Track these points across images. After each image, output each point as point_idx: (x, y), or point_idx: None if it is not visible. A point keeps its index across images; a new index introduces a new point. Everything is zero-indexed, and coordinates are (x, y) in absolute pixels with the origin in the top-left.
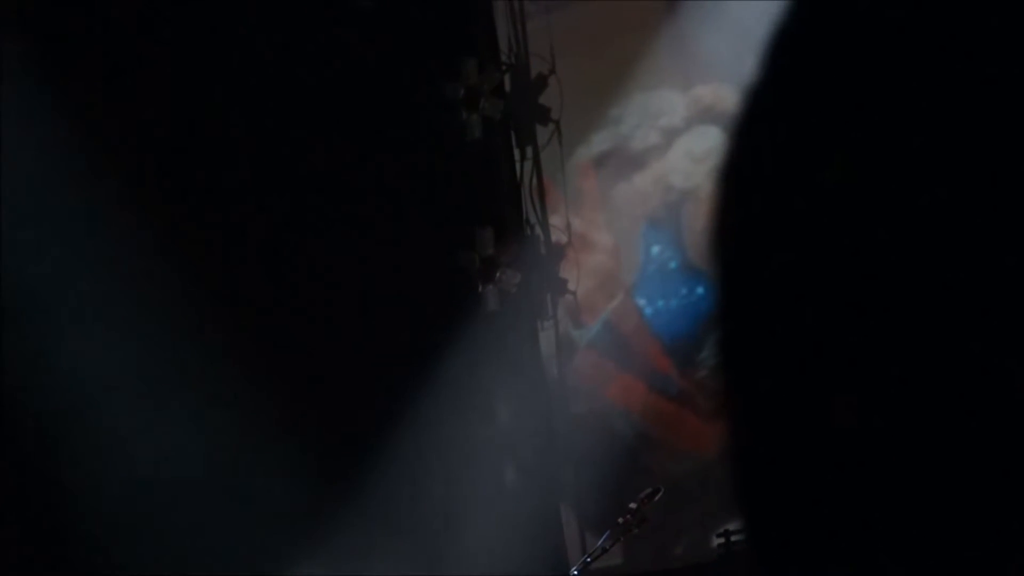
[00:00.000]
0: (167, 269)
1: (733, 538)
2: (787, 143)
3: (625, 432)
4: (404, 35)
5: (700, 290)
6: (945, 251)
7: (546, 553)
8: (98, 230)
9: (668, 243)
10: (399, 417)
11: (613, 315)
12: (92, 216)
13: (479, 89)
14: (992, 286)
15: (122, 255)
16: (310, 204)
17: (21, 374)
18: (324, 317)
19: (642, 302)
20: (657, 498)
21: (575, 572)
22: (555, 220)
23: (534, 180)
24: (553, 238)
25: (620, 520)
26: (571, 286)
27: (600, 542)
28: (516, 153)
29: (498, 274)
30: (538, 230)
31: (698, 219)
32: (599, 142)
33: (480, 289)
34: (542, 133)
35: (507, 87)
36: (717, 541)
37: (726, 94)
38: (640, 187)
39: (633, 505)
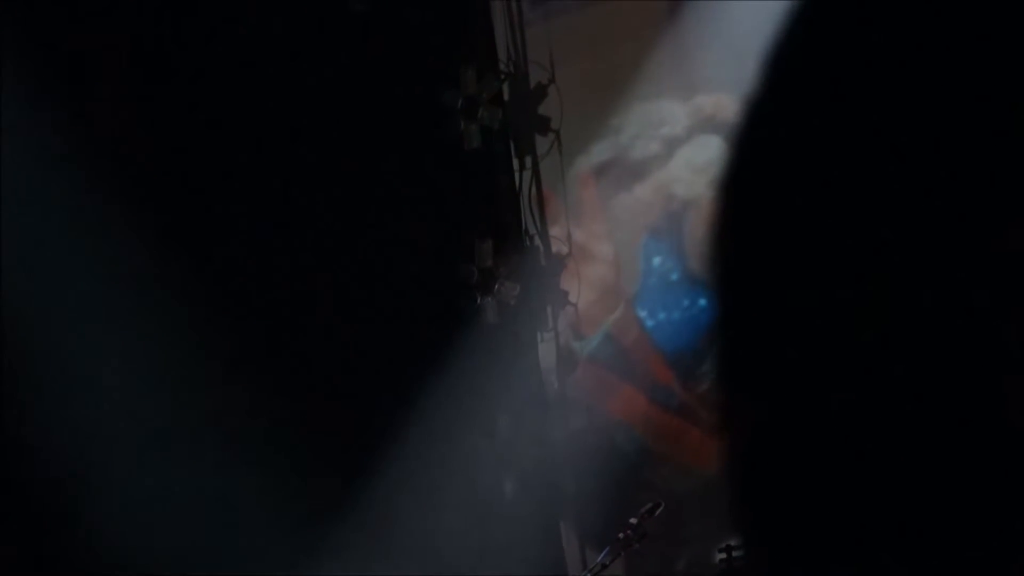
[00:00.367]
0: (167, 277)
1: (735, 553)
2: (785, 153)
3: (626, 446)
4: (402, 43)
5: (702, 302)
6: (946, 258)
7: (546, 568)
8: (98, 232)
9: (669, 254)
10: (398, 430)
11: (614, 327)
12: (91, 220)
13: (478, 98)
14: (988, 293)
15: (124, 261)
16: (308, 214)
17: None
18: (323, 328)
19: (643, 314)
20: (658, 513)
21: None
22: (555, 231)
23: (533, 190)
24: (553, 249)
25: (621, 535)
26: (572, 298)
27: (600, 557)
28: (515, 163)
29: (497, 286)
30: (538, 241)
31: (700, 230)
32: (599, 152)
33: (479, 301)
34: (541, 143)
35: (506, 96)
36: (719, 556)
37: (727, 104)
38: (641, 197)
39: (634, 520)
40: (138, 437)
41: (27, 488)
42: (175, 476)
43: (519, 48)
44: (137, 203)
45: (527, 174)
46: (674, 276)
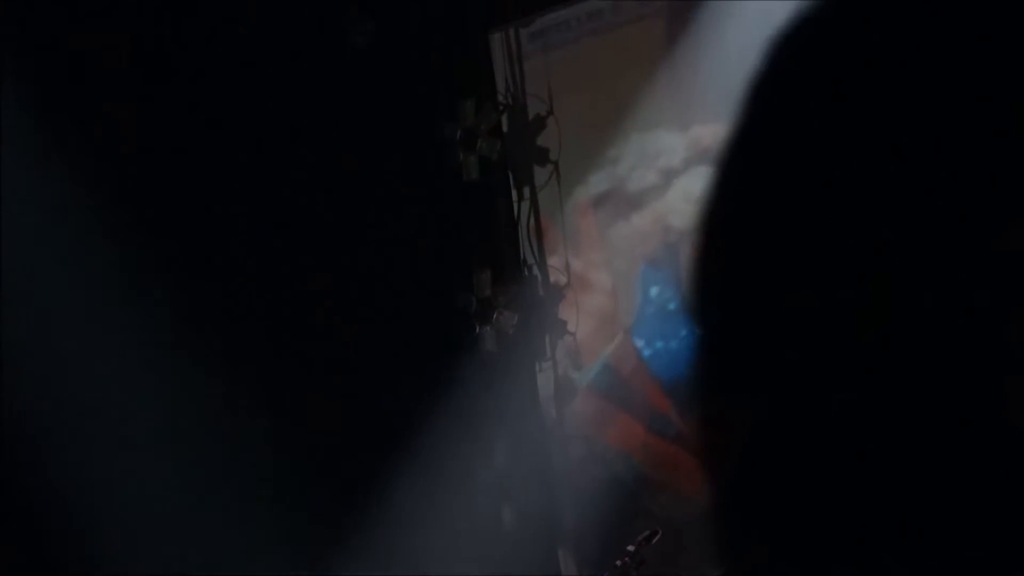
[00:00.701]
0: (165, 281)
1: None
2: (789, 151)
3: (624, 474)
4: (402, 76)
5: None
6: (946, 258)
7: None
8: (97, 232)
9: (667, 284)
10: (397, 458)
11: (612, 357)
12: (90, 220)
13: (476, 130)
14: (988, 293)
15: (123, 262)
16: (307, 244)
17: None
18: (323, 357)
19: (641, 343)
20: (655, 540)
21: None
22: (554, 261)
23: (532, 221)
24: (552, 279)
25: (618, 562)
26: (570, 327)
27: None
28: (514, 193)
29: (496, 315)
30: (536, 271)
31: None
32: (597, 182)
33: (478, 330)
34: (540, 173)
35: (505, 128)
36: None
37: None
38: (638, 228)
39: (631, 547)
40: (138, 440)
41: (26, 490)
42: (173, 480)
43: (518, 81)
44: (136, 205)
45: (525, 204)
46: (671, 306)
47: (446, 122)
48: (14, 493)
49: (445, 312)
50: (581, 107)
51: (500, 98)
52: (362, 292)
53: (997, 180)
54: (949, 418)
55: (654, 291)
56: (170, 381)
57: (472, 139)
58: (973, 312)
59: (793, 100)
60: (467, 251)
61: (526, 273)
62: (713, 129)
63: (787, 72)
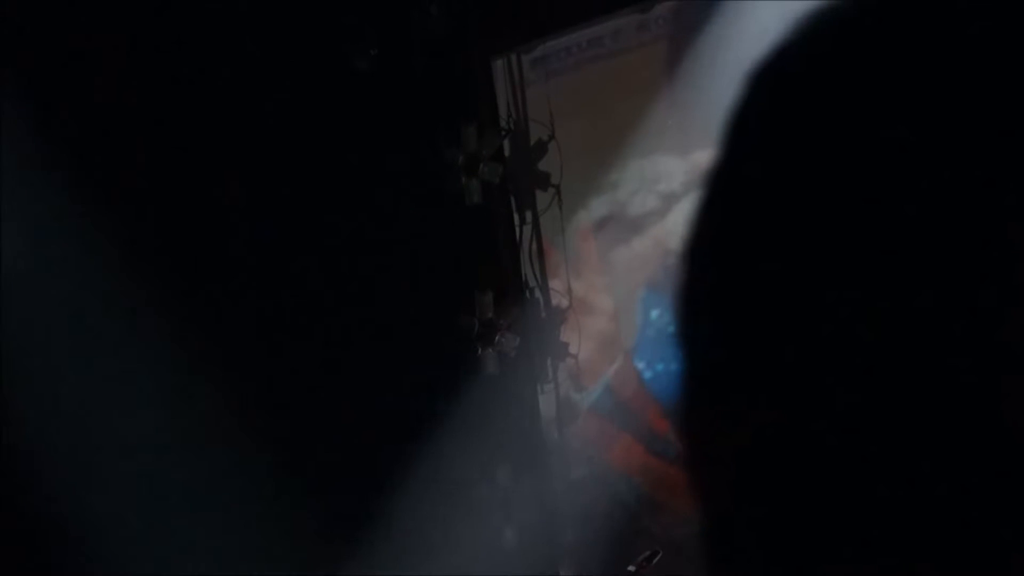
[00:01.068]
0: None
1: None
2: (785, 149)
3: (625, 494)
4: (405, 101)
5: None
6: (945, 259)
7: None
8: (96, 233)
9: (667, 307)
10: (398, 479)
11: (613, 379)
12: (88, 222)
13: (479, 154)
14: (989, 293)
15: (120, 265)
16: (307, 266)
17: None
18: (323, 380)
19: (641, 365)
20: (656, 561)
21: None
22: (555, 284)
23: (534, 244)
24: (554, 302)
25: None
26: (572, 349)
27: None
28: (516, 217)
29: (498, 337)
30: (538, 294)
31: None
32: (598, 207)
33: (480, 352)
34: (542, 197)
35: (507, 152)
36: None
37: None
38: (639, 251)
39: (632, 568)
40: (137, 442)
41: (24, 492)
42: (172, 482)
43: (519, 106)
44: (135, 210)
45: (527, 228)
46: (671, 328)
47: (448, 147)
48: (13, 494)
49: (447, 334)
50: (582, 132)
51: (502, 123)
52: (364, 314)
53: (996, 180)
54: (946, 422)
55: (654, 314)
56: (170, 385)
57: (474, 164)
58: (972, 312)
59: (784, 110)
60: (469, 274)
61: (528, 296)
62: (713, 151)
63: (774, 91)
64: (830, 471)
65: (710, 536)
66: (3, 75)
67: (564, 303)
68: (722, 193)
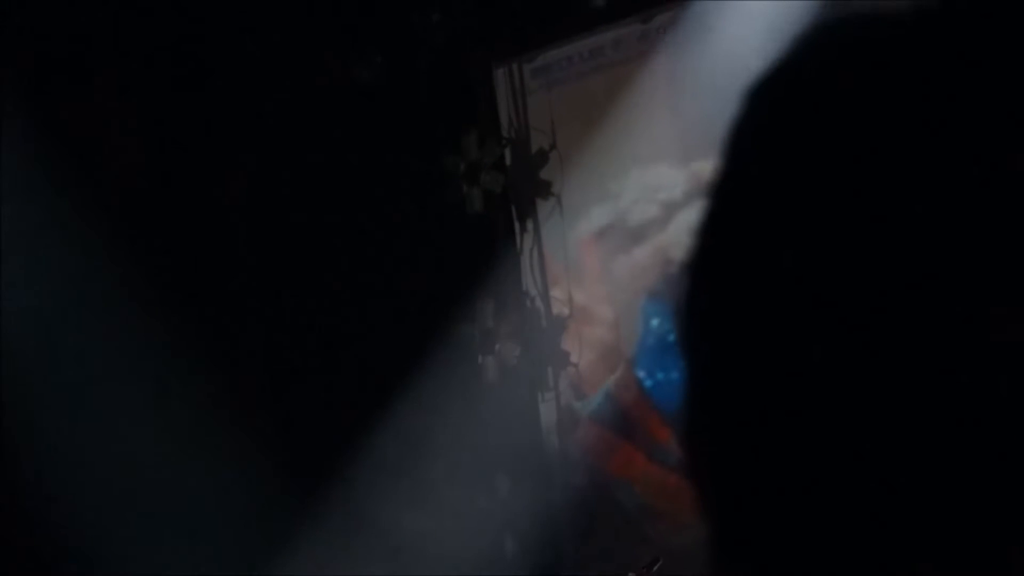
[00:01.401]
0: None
1: None
2: (781, 157)
3: (626, 502)
4: (405, 110)
5: None
6: (946, 260)
7: None
8: (94, 236)
9: (667, 316)
10: (398, 489)
11: (614, 387)
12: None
13: (480, 163)
14: (988, 297)
15: (119, 269)
16: (308, 275)
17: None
18: (322, 390)
19: (642, 374)
20: (656, 568)
21: None
22: (556, 293)
23: (535, 253)
24: (555, 311)
25: None
26: (573, 358)
27: None
28: (517, 226)
29: (498, 346)
30: (539, 302)
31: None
32: (599, 216)
33: (480, 361)
34: (543, 206)
35: (508, 161)
36: None
37: None
38: (640, 260)
39: (632, 575)
40: (135, 442)
41: (23, 494)
42: (170, 483)
43: (521, 115)
44: (135, 211)
45: (528, 237)
46: (671, 337)
47: (450, 156)
48: (13, 494)
49: (447, 343)
50: (583, 141)
51: (503, 132)
52: (363, 322)
53: (994, 199)
54: (948, 429)
55: (655, 323)
56: (169, 386)
57: (475, 172)
58: (970, 314)
59: (786, 122)
60: (470, 282)
61: (529, 305)
62: (713, 164)
63: (776, 103)
64: (831, 478)
65: (711, 544)
66: (3, 75)
67: (565, 312)
68: (725, 205)
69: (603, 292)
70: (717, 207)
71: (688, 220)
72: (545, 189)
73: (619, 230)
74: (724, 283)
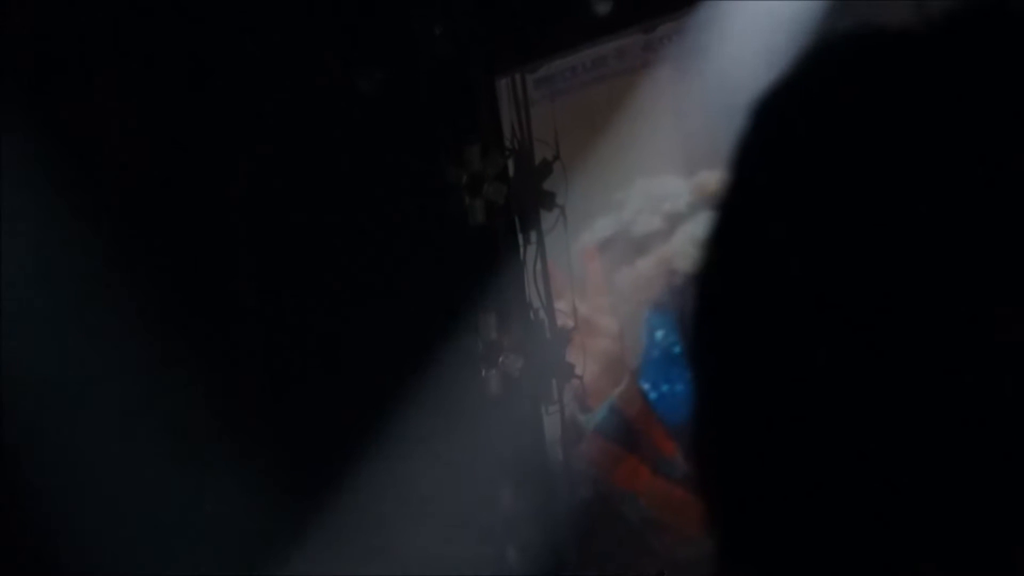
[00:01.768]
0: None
1: None
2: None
3: (630, 515)
4: (408, 122)
5: None
6: (946, 262)
7: None
8: (92, 238)
9: (672, 328)
10: (399, 502)
11: (619, 399)
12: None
13: (483, 174)
14: (992, 296)
15: (117, 272)
16: (309, 287)
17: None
18: (323, 403)
19: (647, 386)
20: None
21: None
22: (560, 304)
23: (538, 264)
24: (559, 323)
25: None
26: (577, 371)
27: None
28: (520, 238)
29: (501, 358)
30: (543, 315)
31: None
32: (603, 227)
33: (483, 374)
34: (546, 217)
35: (511, 172)
36: None
37: None
38: (644, 272)
39: None
40: (126, 446)
41: (21, 495)
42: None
43: (524, 126)
44: (135, 212)
45: (532, 248)
46: (676, 349)
47: (452, 167)
48: (13, 495)
49: (450, 355)
50: (587, 152)
51: (506, 143)
52: (365, 334)
53: (997, 183)
54: (952, 436)
55: (659, 335)
56: (169, 386)
57: (478, 184)
58: (975, 314)
59: (793, 135)
60: (472, 294)
61: (532, 317)
62: (718, 174)
63: (783, 115)
64: (839, 490)
65: (717, 556)
66: (3, 75)
67: (569, 324)
68: (730, 216)
69: (607, 304)
70: (722, 218)
71: (693, 231)
72: (548, 200)
73: (623, 241)
74: (730, 294)
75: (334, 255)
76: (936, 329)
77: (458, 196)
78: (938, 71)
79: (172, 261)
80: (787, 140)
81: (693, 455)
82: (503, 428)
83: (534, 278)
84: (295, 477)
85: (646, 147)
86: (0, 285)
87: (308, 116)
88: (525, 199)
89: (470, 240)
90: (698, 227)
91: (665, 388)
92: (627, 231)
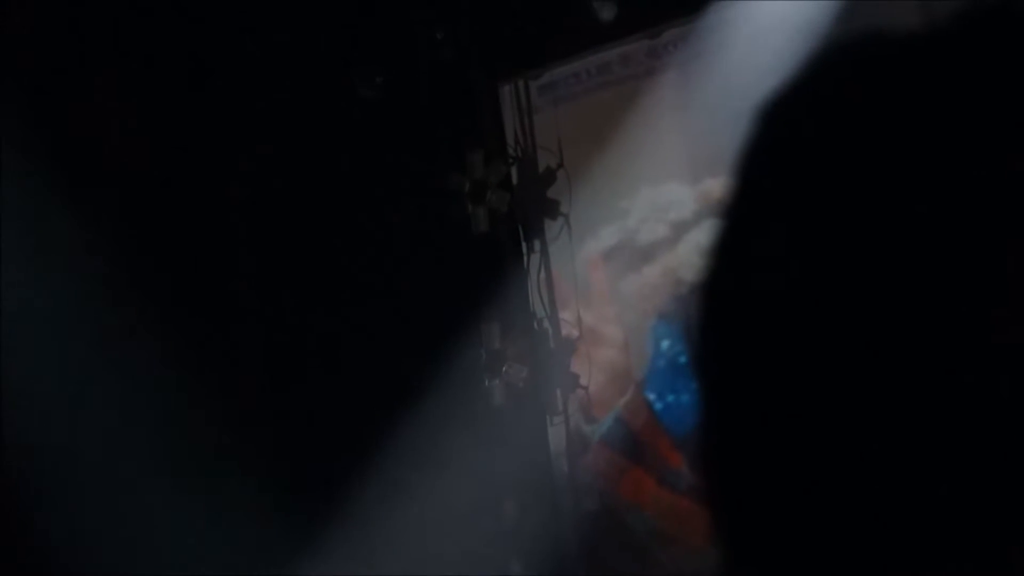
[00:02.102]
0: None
1: None
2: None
3: (635, 526)
4: (410, 129)
5: None
6: (945, 264)
7: None
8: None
9: (677, 337)
10: (403, 513)
11: (624, 410)
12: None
13: (486, 182)
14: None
15: (116, 275)
16: (312, 296)
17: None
18: (326, 412)
19: (652, 397)
20: None
21: None
22: (565, 314)
23: (542, 273)
24: (563, 332)
25: None
26: (582, 381)
27: None
28: (524, 246)
29: (505, 368)
30: (547, 324)
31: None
32: (608, 235)
33: (487, 383)
34: (550, 226)
35: (514, 180)
36: None
37: None
38: (649, 281)
39: None
40: (126, 447)
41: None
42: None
43: (527, 133)
44: (135, 212)
45: (536, 257)
46: (682, 359)
47: (455, 175)
48: (13, 496)
49: (454, 365)
50: (591, 160)
51: (510, 151)
52: (369, 344)
53: (996, 186)
54: (956, 440)
55: (665, 344)
56: (168, 387)
57: (481, 192)
58: (972, 316)
59: (797, 142)
60: (476, 304)
61: (537, 326)
62: (723, 182)
63: (788, 122)
64: (848, 503)
65: (724, 568)
66: (3, 75)
67: (574, 333)
68: (736, 224)
69: (612, 313)
70: (728, 226)
71: (698, 239)
72: (552, 208)
73: (628, 250)
74: (736, 303)
75: (334, 257)
76: (935, 332)
77: (461, 203)
78: (944, 75)
79: (172, 261)
80: (792, 146)
81: (699, 466)
82: (507, 439)
83: (538, 287)
84: (295, 477)
85: (651, 154)
86: (0, 285)
87: (308, 117)
88: (529, 207)
89: (473, 248)
90: (704, 235)
91: (671, 398)
92: (632, 239)
